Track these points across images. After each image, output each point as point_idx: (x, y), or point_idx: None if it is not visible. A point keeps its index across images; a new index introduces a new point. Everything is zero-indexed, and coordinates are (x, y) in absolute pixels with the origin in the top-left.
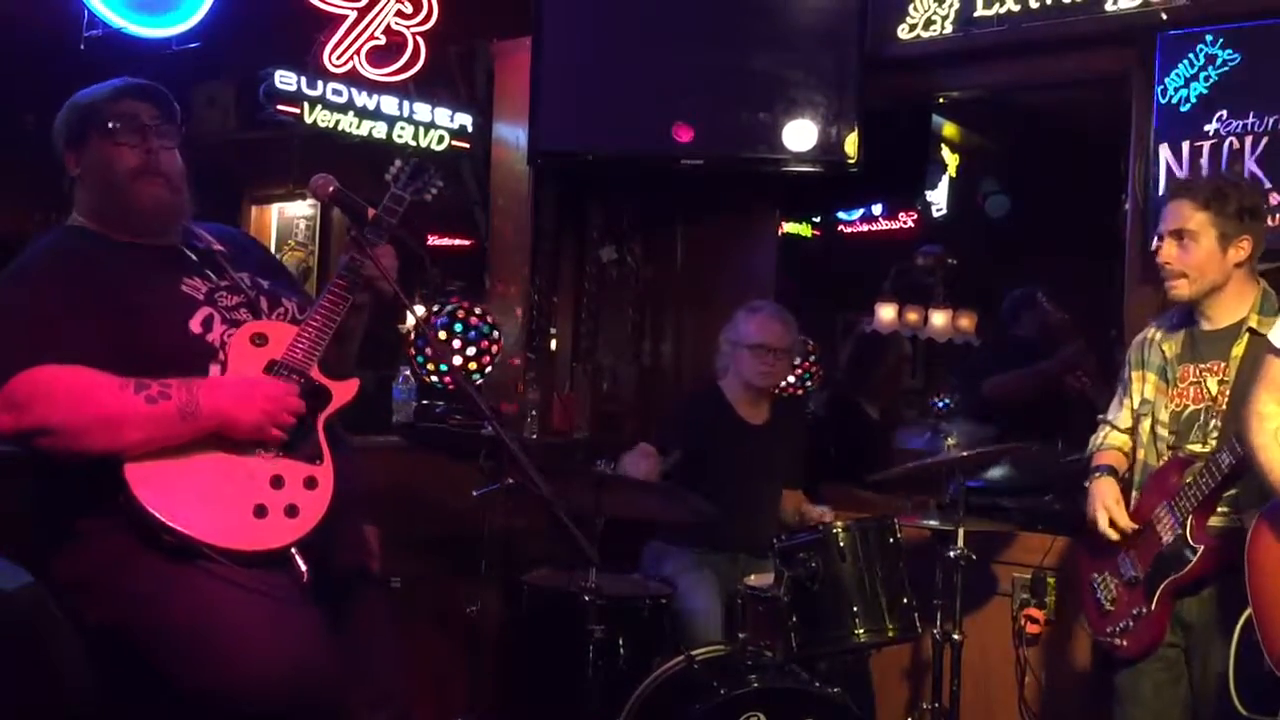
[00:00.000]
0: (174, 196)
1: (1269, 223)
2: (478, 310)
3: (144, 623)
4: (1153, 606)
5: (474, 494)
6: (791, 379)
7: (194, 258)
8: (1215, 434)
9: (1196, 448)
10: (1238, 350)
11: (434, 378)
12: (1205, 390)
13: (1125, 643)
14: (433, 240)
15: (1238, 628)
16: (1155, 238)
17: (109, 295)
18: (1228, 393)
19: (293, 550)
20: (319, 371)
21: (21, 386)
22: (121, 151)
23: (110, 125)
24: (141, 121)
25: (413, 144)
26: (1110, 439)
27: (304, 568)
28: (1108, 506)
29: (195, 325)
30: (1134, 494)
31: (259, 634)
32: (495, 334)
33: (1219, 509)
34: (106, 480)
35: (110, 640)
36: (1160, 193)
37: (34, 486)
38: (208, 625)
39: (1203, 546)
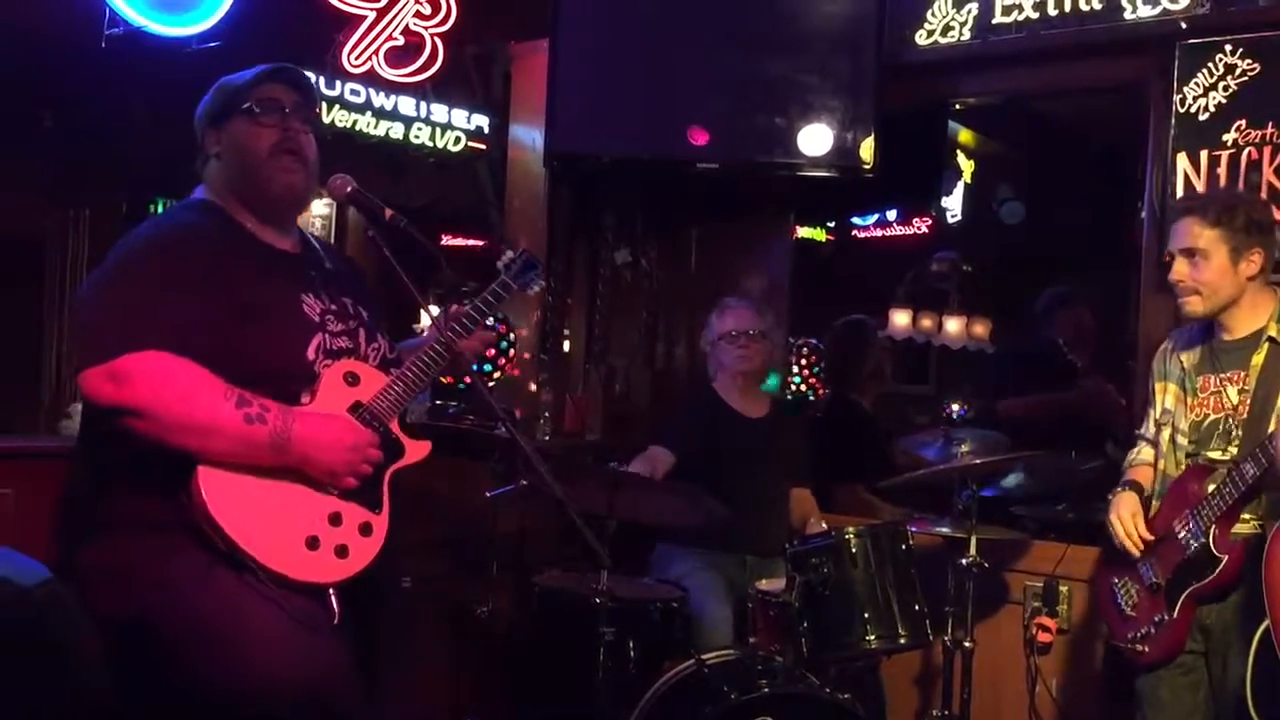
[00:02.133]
0: (307, 179)
1: None
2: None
3: (169, 616)
4: (1174, 614)
5: (488, 495)
6: (802, 383)
7: (312, 272)
8: (1236, 442)
9: (1216, 455)
10: (1258, 359)
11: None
12: (1226, 399)
13: (1146, 649)
14: (445, 240)
15: (1255, 639)
16: (1166, 254)
17: (234, 293)
18: (1249, 401)
19: (331, 591)
20: (398, 425)
21: (134, 364)
22: (260, 131)
23: (251, 106)
24: (281, 104)
25: (430, 144)
26: (1144, 454)
27: (337, 609)
28: (1123, 518)
29: (310, 351)
30: (1154, 503)
31: (283, 644)
32: (511, 335)
33: (1243, 517)
34: (149, 469)
35: (131, 634)
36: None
37: (71, 471)
38: (235, 626)
39: (1227, 555)
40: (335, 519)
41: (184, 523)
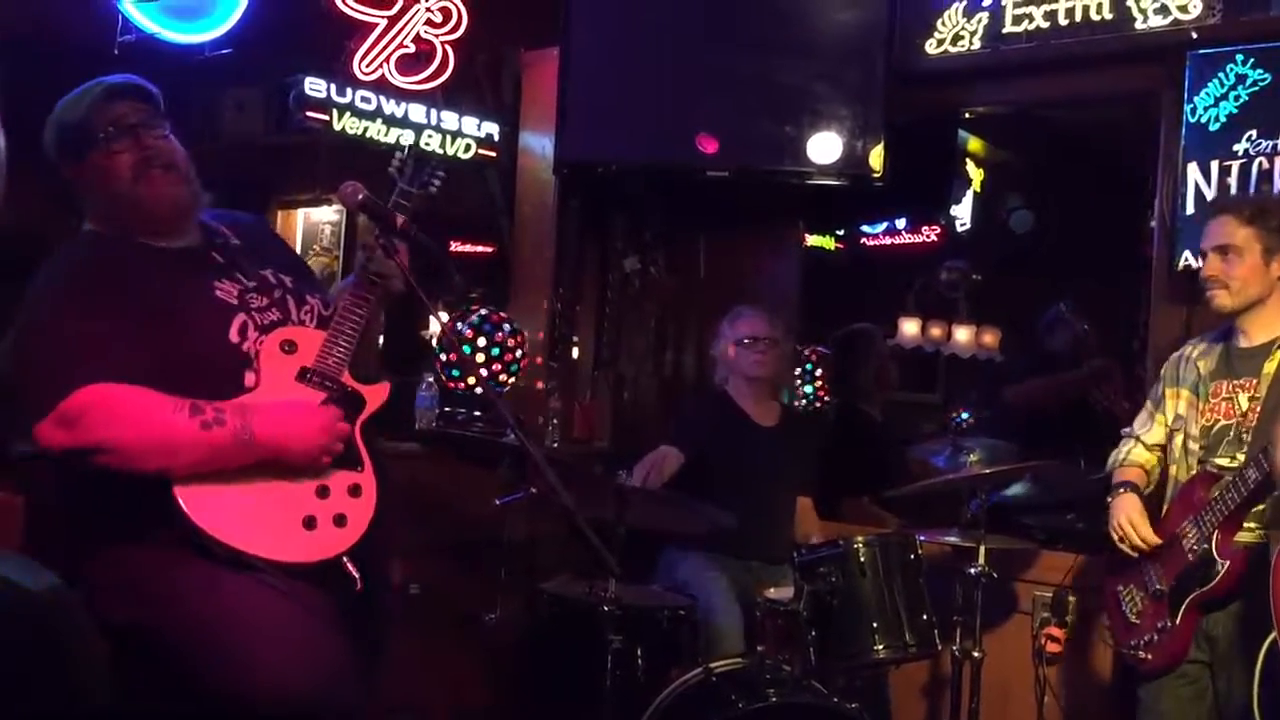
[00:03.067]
0: (182, 186)
1: None
2: (500, 315)
3: (173, 622)
4: (1177, 621)
5: (497, 502)
6: (810, 391)
7: (220, 259)
8: (1245, 450)
9: (1225, 462)
10: (1269, 367)
11: (461, 385)
12: (1236, 406)
13: (1149, 656)
14: (454, 246)
15: (1262, 652)
16: (1198, 255)
17: (146, 303)
18: (1258, 409)
19: (344, 559)
20: (350, 377)
21: (77, 405)
22: (118, 158)
23: (100, 136)
24: (129, 122)
25: (440, 151)
26: (1134, 455)
27: (356, 575)
28: (1132, 521)
29: (233, 334)
30: (1165, 507)
31: (291, 650)
32: (520, 338)
33: (1246, 524)
34: (148, 485)
35: (136, 640)
36: (1188, 212)
37: (71, 484)
38: (243, 636)
39: (1228, 561)
40: (323, 491)
41: (174, 539)
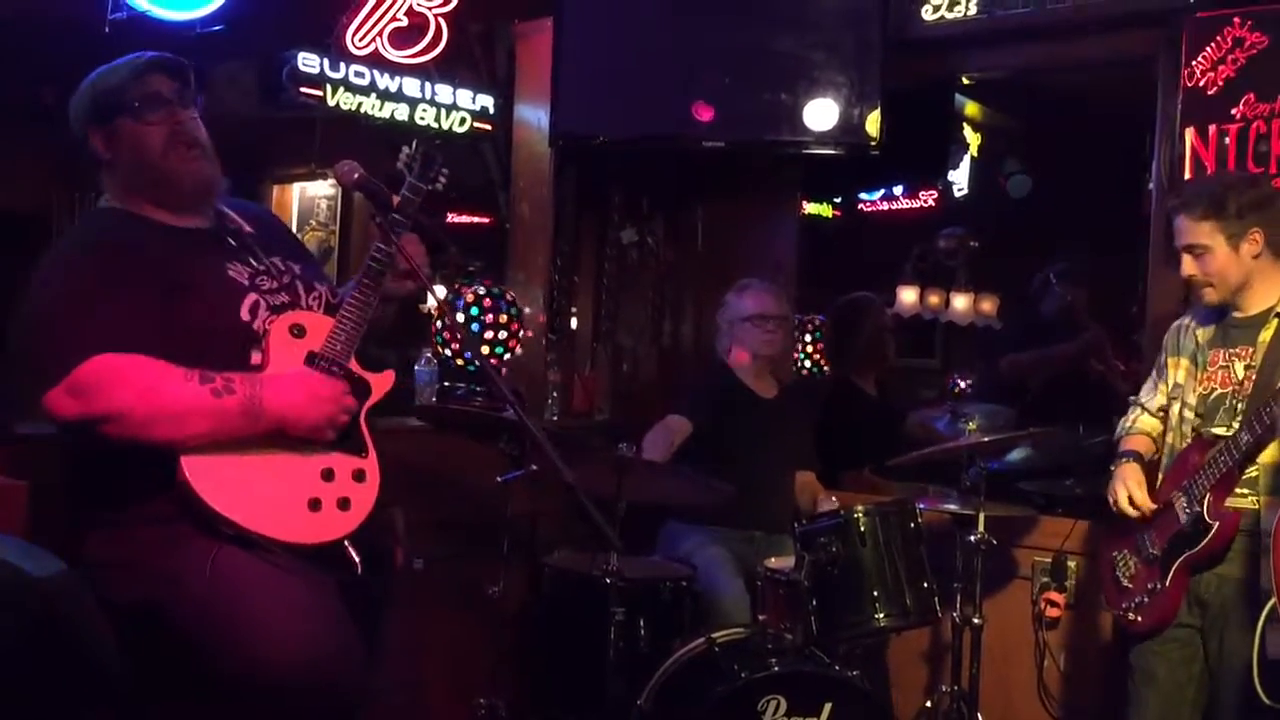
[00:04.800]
0: (209, 166)
1: None
2: (498, 290)
3: (178, 600)
4: (1167, 582)
5: (499, 480)
6: (808, 360)
7: (232, 243)
8: (1240, 417)
9: (1221, 430)
10: (1265, 335)
11: (458, 360)
12: (1232, 374)
13: (1139, 618)
14: (452, 218)
15: (1262, 618)
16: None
17: (159, 276)
18: (1254, 377)
19: (345, 543)
20: (356, 364)
21: (88, 374)
22: (150, 130)
23: (135, 105)
24: (164, 96)
25: (435, 125)
26: (1140, 423)
27: (356, 559)
28: (1129, 488)
29: (244, 312)
30: (1160, 476)
31: (295, 626)
32: (519, 315)
33: (1238, 490)
34: (152, 463)
35: (142, 619)
36: (1186, 176)
37: (73, 464)
38: (246, 614)
39: (1218, 523)
40: (328, 474)
41: (176, 515)
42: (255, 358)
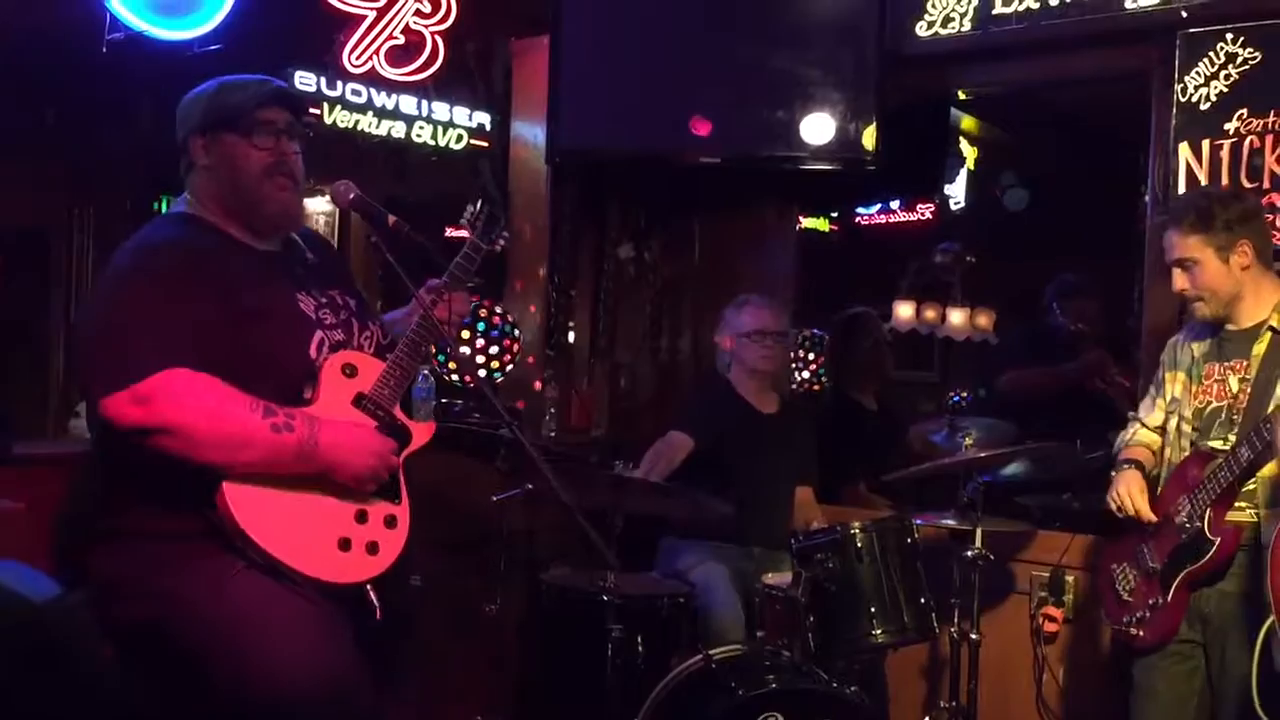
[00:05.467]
0: (298, 201)
1: None
2: (498, 310)
3: (182, 628)
4: (1169, 598)
5: (494, 499)
6: (806, 374)
7: (300, 270)
8: (1236, 431)
9: (1218, 444)
10: (1259, 349)
11: (454, 377)
12: (1227, 388)
13: (1141, 633)
14: (450, 233)
15: (1261, 633)
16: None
17: (236, 299)
18: (1249, 390)
19: (369, 587)
20: (400, 411)
21: (159, 384)
22: (254, 153)
23: (248, 124)
24: (277, 125)
25: (432, 143)
26: (1139, 436)
27: (377, 604)
28: (1131, 493)
29: (313, 350)
30: (1159, 489)
31: (301, 653)
32: (516, 333)
33: (1239, 505)
34: (180, 481)
35: (145, 639)
36: (1180, 191)
37: (95, 474)
38: (251, 639)
39: (1219, 539)
40: (361, 517)
41: (197, 533)
42: (307, 391)
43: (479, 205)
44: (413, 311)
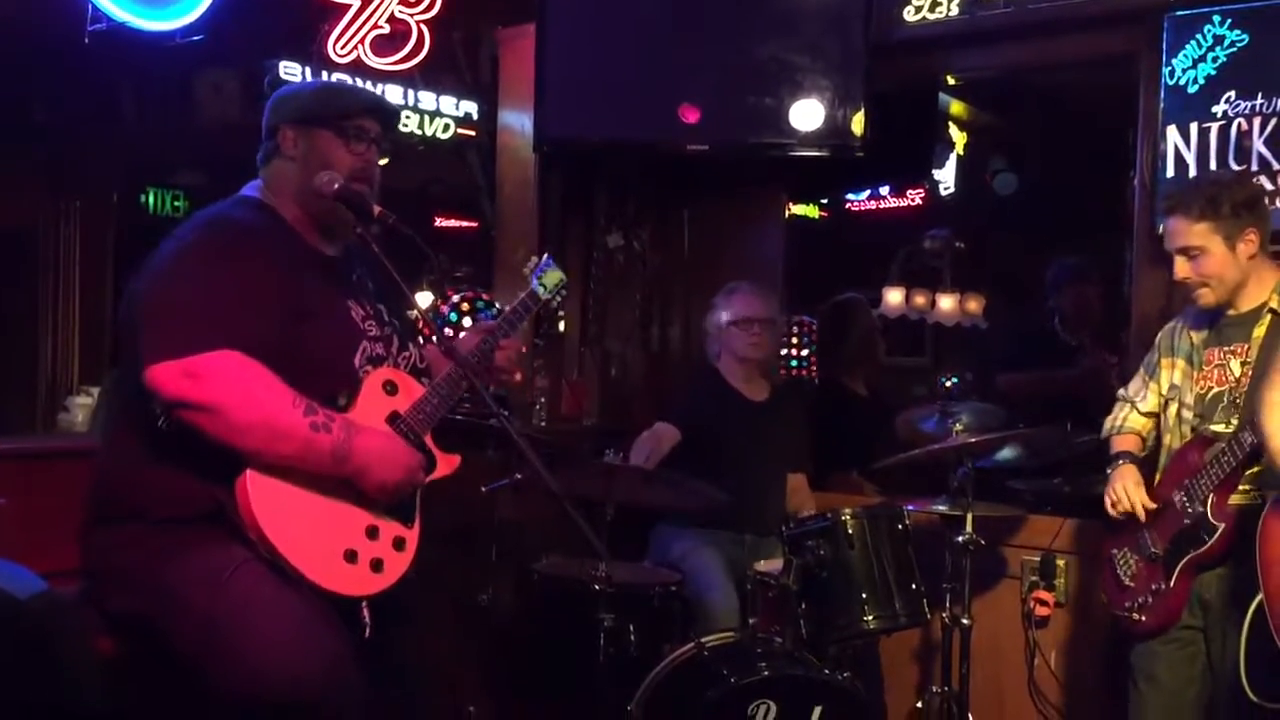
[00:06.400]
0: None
1: (1276, 205)
2: (485, 298)
3: (176, 620)
4: (1172, 583)
5: (484, 489)
6: (796, 362)
7: (354, 278)
8: (1239, 415)
9: (1220, 428)
10: (1259, 332)
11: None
12: (1229, 372)
13: (1143, 618)
14: (440, 221)
15: (1249, 614)
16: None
17: (296, 299)
18: (1250, 373)
19: (364, 603)
20: (430, 438)
21: (211, 362)
22: (346, 155)
23: (347, 126)
24: (371, 135)
25: (419, 132)
26: (1130, 421)
27: (368, 621)
28: (1128, 489)
29: (357, 358)
30: (1157, 476)
31: (292, 647)
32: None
33: (1240, 487)
34: (178, 470)
35: (135, 629)
36: (1169, 174)
37: (109, 450)
38: (243, 633)
39: (1223, 524)
40: (372, 532)
41: (200, 518)
42: (341, 400)
43: (544, 257)
44: (463, 346)
